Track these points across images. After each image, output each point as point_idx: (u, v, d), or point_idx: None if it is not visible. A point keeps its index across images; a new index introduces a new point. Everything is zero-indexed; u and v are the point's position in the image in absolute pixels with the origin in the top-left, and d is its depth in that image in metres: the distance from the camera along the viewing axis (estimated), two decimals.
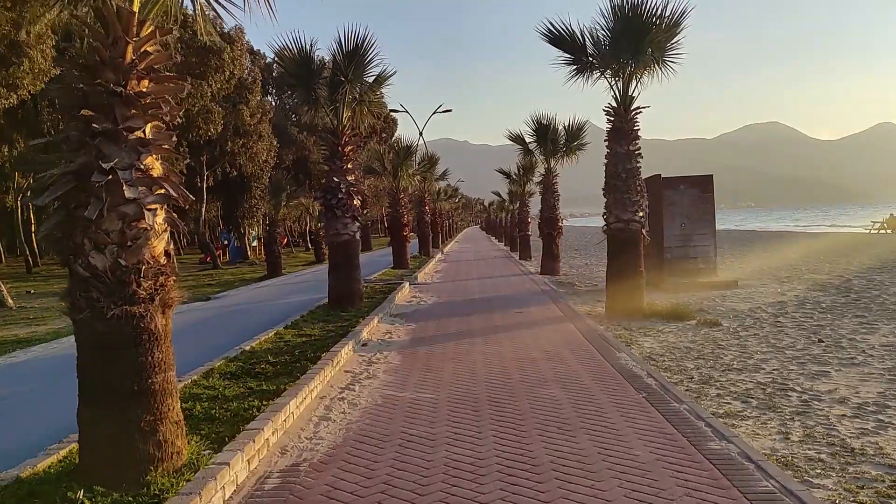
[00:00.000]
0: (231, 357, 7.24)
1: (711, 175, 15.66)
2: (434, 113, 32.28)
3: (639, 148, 11.37)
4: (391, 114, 59.55)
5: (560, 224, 19.83)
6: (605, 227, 11.38)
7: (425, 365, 7.35)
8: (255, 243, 42.94)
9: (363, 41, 11.84)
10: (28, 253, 34.36)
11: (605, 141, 11.54)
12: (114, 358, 3.84)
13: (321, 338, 8.55)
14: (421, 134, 30.59)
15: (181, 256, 45.51)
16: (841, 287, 13.58)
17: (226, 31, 35.67)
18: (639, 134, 11.36)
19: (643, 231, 11.20)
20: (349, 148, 12.00)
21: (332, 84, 11.98)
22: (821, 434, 4.86)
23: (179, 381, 6.09)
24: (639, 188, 11.21)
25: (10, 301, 17.41)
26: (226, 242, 44.71)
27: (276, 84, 42.30)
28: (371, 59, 12.15)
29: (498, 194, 51.64)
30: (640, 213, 11.16)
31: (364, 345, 8.47)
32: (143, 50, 4.04)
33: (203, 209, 39.49)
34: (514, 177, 29.42)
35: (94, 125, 3.83)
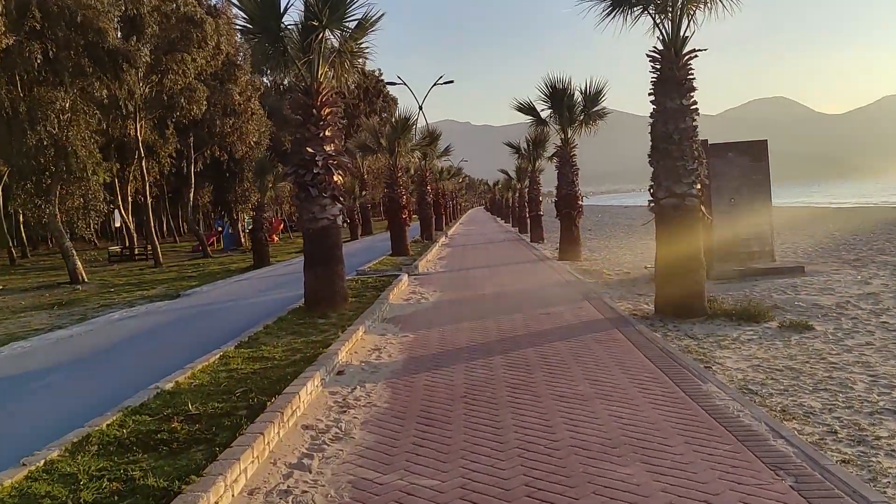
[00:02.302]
0: (136, 405, 4.87)
1: (765, 141, 13.16)
2: (434, 84, 29.63)
3: (694, 102, 8.95)
4: (389, 92, 56.79)
5: (580, 202, 17.37)
6: (653, 204, 8.98)
7: (426, 411, 4.99)
8: (249, 229, 40.54)
9: None
10: (13, 244, 32.27)
11: (649, 95, 9.09)
12: None
13: (281, 363, 6.18)
14: (421, 108, 27.99)
15: (175, 245, 43.17)
16: None
17: (212, 3, 33.12)
18: (694, 84, 8.93)
19: (702, 207, 8.80)
20: (327, 110, 9.52)
21: (305, 31, 9.51)
22: None
23: (23, 465, 3.78)
24: (696, 153, 8.78)
25: None
26: (219, 229, 42.37)
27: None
28: None
29: (505, 172, 48.98)
30: (698, 185, 8.76)
31: (340, 373, 6.11)
32: None
33: (192, 195, 37.15)
34: (523, 151, 26.84)
35: None
